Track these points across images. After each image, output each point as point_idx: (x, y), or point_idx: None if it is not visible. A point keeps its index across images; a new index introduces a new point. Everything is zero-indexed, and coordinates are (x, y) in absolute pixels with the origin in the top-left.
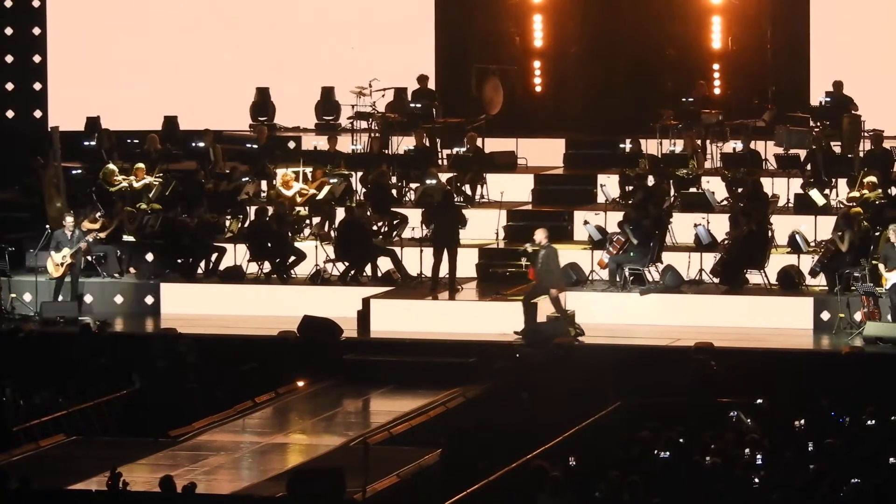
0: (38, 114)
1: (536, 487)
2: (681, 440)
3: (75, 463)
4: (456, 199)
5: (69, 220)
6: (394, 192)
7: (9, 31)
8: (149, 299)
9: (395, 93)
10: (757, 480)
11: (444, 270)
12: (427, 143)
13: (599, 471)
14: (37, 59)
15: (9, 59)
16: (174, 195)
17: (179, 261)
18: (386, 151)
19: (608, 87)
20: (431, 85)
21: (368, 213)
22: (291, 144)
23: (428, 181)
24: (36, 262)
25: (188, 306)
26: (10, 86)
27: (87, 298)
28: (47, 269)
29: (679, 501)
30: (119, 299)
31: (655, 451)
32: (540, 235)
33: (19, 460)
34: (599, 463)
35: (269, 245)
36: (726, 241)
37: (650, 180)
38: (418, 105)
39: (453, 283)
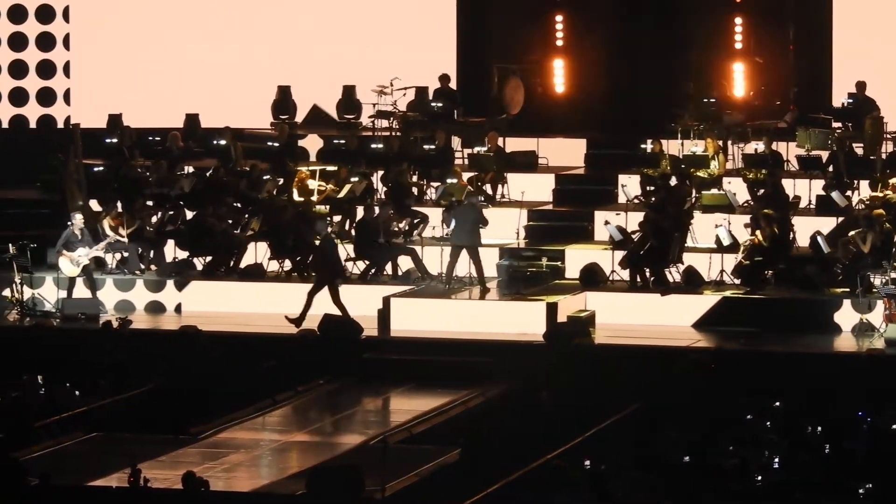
0: (59, 111)
1: (555, 487)
2: (699, 441)
3: (96, 459)
4: (480, 199)
5: (78, 217)
6: (414, 191)
7: (32, 28)
8: (170, 297)
9: (417, 92)
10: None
11: (464, 270)
12: (448, 143)
13: (618, 472)
14: (59, 56)
15: (31, 56)
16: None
17: (202, 258)
18: (407, 150)
19: (629, 88)
20: (453, 85)
21: (390, 213)
22: (311, 142)
23: (448, 180)
24: (56, 260)
25: (209, 304)
26: (32, 83)
27: (108, 295)
28: (62, 267)
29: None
30: (140, 296)
31: (674, 453)
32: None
33: (40, 456)
34: (618, 464)
35: (290, 243)
36: (748, 243)
37: (671, 181)
38: (439, 104)
39: (482, 283)
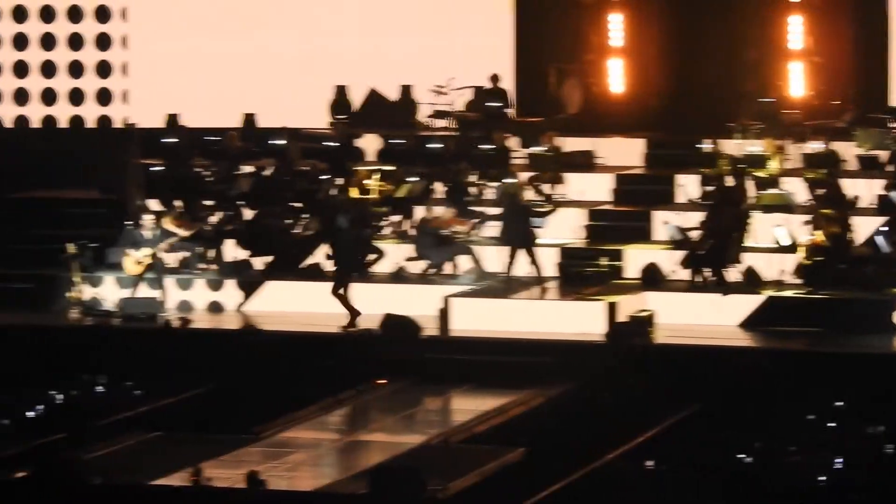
0: (118, 111)
1: (615, 488)
2: (760, 442)
3: (157, 459)
4: (535, 199)
5: (148, 218)
6: (472, 190)
7: (90, 28)
8: (230, 296)
9: (474, 91)
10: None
11: (524, 270)
12: (505, 143)
13: (678, 472)
14: (117, 56)
15: (89, 56)
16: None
17: (262, 259)
18: (464, 150)
19: (688, 87)
20: (504, 84)
21: (449, 213)
22: (369, 142)
23: (506, 180)
24: (119, 259)
25: (269, 303)
26: (90, 83)
27: (169, 295)
28: (124, 267)
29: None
30: (200, 296)
31: (735, 454)
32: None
33: (101, 456)
34: (679, 464)
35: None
36: (807, 243)
37: (730, 181)
38: (497, 104)
39: (542, 282)
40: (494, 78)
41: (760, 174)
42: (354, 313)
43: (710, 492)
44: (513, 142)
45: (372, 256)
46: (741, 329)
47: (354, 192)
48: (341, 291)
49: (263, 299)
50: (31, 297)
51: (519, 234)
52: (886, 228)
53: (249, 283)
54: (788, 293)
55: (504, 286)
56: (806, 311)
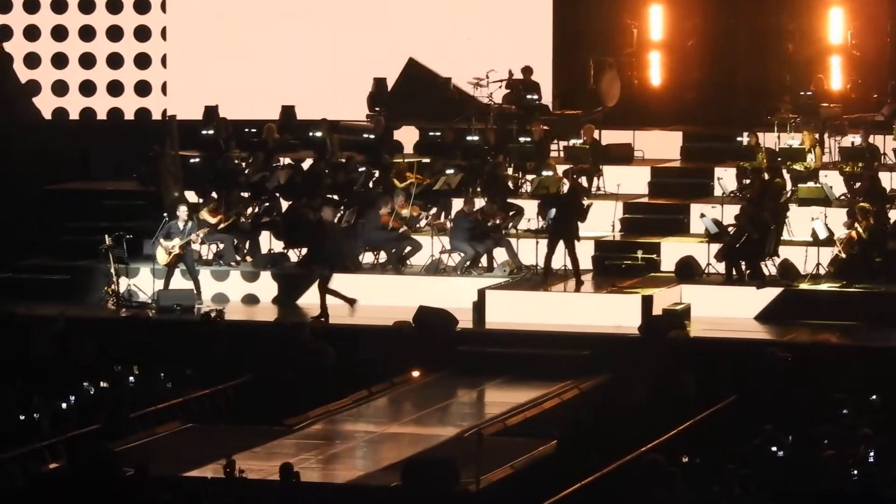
0: (156, 102)
1: (650, 482)
2: (795, 435)
3: (191, 450)
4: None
5: (183, 209)
6: (510, 183)
7: (129, 20)
8: (265, 288)
9: (512, 84)
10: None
11: (558, 262)
12: (543, 136)
13: (713, 465)
14: (156, 48)
15: (128, 48)
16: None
17: (297, 250)
18: (502, 143)
19: (726, 80)
20: (543, 77)
21: (488, 206)
22: (407, 135)
23: (544, 173)
24: (153, 251)
25: (305, 295)
26: (129, 74)
27: (204, 286)
28: (156, 258)
29: (794, 496)
30: (235, 287)
31: (769, 446)
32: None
33: (136, 447)
34: (713, 458)
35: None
36: (845, 237)
37: (767, 174)
38: (534, 97)
39: (577, 275)
40: (527, 70)
41: (798, 167)
42: (351, 300)
43: (744, 486)
44: (550, 134)
45: (408, 249)
46: (774, 322)
47: (395, 184)
48: (329, 286)
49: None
50: (68, 288)
51: (559, 227)
52: None
53: (277, 270)
54: (824, 286)
55: (539, 279)
56: (841, 304)
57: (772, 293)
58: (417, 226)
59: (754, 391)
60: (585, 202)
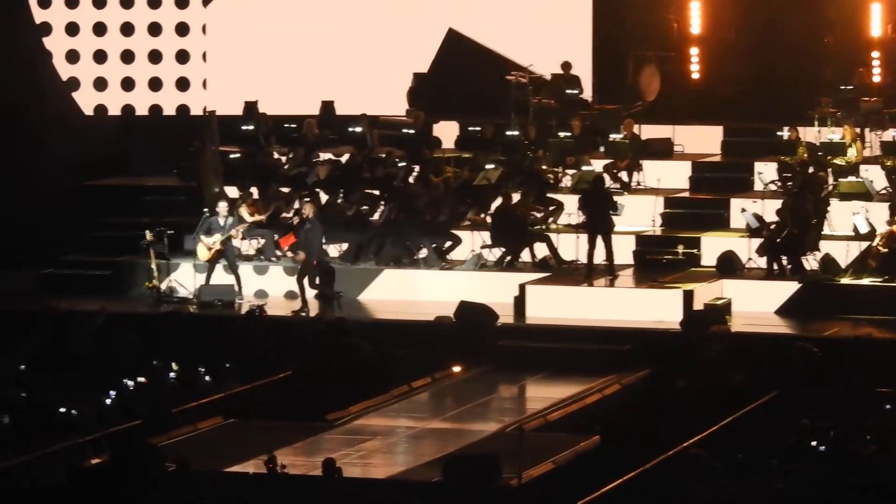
0: (196, 98)
1: (692, 476)
2: (837, 430)
3: (232, 446)
4: (611, 186)
5: (223, 205)
6: (550, 178)
7: (169, 16)
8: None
9: (552, 79)
10: None
11: (600, 257)
12: (583, 130)
13: (755, 460)
14: (196, 43)
15: (169, 43)
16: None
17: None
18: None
19: (766, 75)
20: (582, 71)
21: (527, 200)
22: (446, 130)
23: (583, 168)
24: (194, 246)
25: (347, 290)
26: (169, 70)
27: (245, 282)
28: (197, 253)
29: (836, 491)
30: (276, 283)
31: (812, 441)
32: (308, 210)
33: (177, 442)
34: (755, 452)
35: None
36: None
37: (809, 168)
38: (575, 92)
39: (612, 270)
40: (566, 65)
41: (839, 162)
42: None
43: (786, 480)
44: (590, 129)
45: (449, 244)
46: (816, 317)
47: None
48: (304, 282)
49: (341, 286)
50: (110, 284)
51: (599, 221)
52: None
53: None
54: (865, 281)
55: (580, 273)
56: (884, 298)
57: (812, 288)
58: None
59: (796, 385)
60: (616, 199)
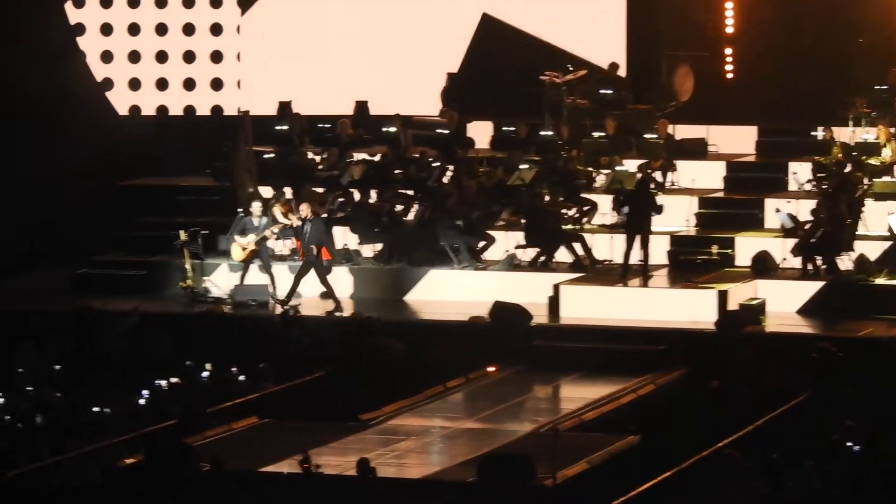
0: (230, 98)
1: (726, 477)
2: (873, 430)
3: (267, 445)
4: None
5: (257, 205)
6: (584, 180)
7: (203, 16)
8: (340, 283)
9: (586, 79)
10: None
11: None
12: (617, 130)
13: (790, 461)
14: (230, 44)
15: (202, 44)
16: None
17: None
18: (576, 138)
19: (800, 75)
20: (622, 73)
21: (559, 200)
22: (479, 130)
23: (618, 168)
24: (228, 246)
25: (379, 291)
26: (203, 70)
27: (278, 282)
28: (231, 253)
29: (871, 491)
30: (310, 283)
31: (847, 442)
32: (304, 209)
33: (212, 442)
34: (790, 453)
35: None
36: None
37: (843, 168)
38: (609, 91)
39: (646, 270)
40: (613, 66)
41: (873, 162)
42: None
43: (822, 480)
44: (624, 129)
45: (482, 243)
46: (850, 317)
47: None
48: (300, 278)
49: (373, 286)
50: (144, 284)
51: (634, 222)
52: None
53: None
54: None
55: (614, 273)
56: None
57: (846, 288)
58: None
59: (829, 386)
60: (657, 198)
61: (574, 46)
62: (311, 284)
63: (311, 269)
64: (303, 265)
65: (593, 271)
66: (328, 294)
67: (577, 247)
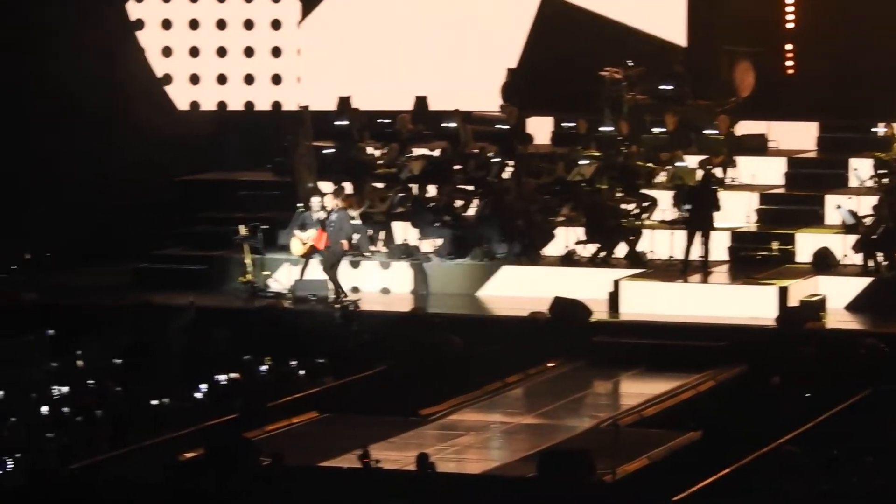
0: (290, 93)
1: (785, 473)
2: None
3: (326, 440)
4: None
5: (316, 200)
6: (643, 174)
7: (263, 11)
8: (399, 278)
9: (647, 75)
10: None
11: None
12: (678, 126)
13: (850, 457)
14: (290, 39)
15: (262, 39)
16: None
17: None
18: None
19: (861, 70)
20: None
21: (619, 195)
22: (539, 126)
23: (678, 164)
24: (288, 241)
25: (442, 285)
26: (263, 65)
27: (339, 277)
28: (291, 248)
29: None
30: (370, 278)
31: None
32: (329, 202)
33: (272, 436)
34: (850, 449)
35: (519, 225)
36: None
37: None
38: (669, 87)
39: (706, 266)
40: (677, 62)
41: None
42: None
43: (881, 477)
44: (684, 125)
45: (541, 239)
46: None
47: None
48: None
49: (436, 281)
50: (204, 278)
51: (696, 219)
52: None
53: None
54: None
55: (675, 269)
56: None
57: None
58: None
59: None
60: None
61: (635, 42)
62: (370, 279)
63: (339, 261)
64: (326, 258)
65: (652, 267)
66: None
67: (636, 242)
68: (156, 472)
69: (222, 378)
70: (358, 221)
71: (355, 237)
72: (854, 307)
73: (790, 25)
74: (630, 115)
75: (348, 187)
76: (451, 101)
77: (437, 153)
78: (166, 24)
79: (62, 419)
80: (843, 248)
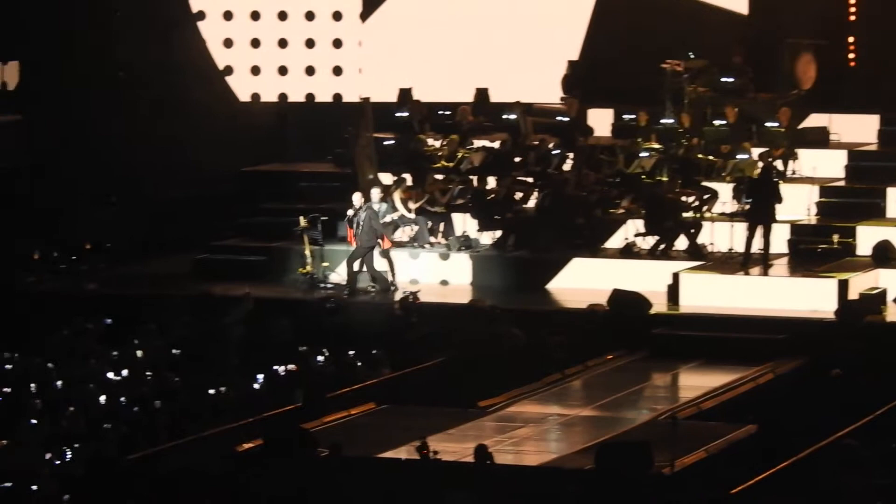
0: (351, 85)
1: (845, 467)
2: None
3: (384, 431)
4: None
5: (376, 192)
6: (705, 168)
7: (324, 2)
8: (459, 270)
9: (707, 68)
10: None
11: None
12: (739, 119)
13: None
14: (352, 30)
15: (324, 30)
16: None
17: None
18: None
19: None
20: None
21: (679, 188)
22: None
23: (739, 156)
24: (346, 233)
25: (500, 279)
26: (324, 57)
27: (397, 268)
28: (349, 240)
29: None
30: (429, 269)
31: None
32: (356, 199)
33: (331, 427)
34: None
35: (579, 219)
36: None
37: None
38: (730, 80)
39: (766, 259)
40: (736, 54)
41: None
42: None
43: None
44: (745, 118)
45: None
46: None
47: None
48: (372, 264)
49: (495, 274)
50: (264, 269)
51: (763, 212)
52: None
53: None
54: None
55: (734, 262)
56: None
57: None
58: None
59: None
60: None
61: (696, 34)
62: (429, 270)
63: (362, 256)
64: (356, 252)
65: (712, 259)
66: (375, 277)
67: (696, 235)
68: (214, 463)
69: (280, 369)
70: (388, 218)
71: (413, 228)
72: None
73: (852, 18)
74: (691, 107)
75: (408, 179)
76: (512, 93)
77: (497, 145)
78: (227, 16)
79: (120, 409)
80: None
